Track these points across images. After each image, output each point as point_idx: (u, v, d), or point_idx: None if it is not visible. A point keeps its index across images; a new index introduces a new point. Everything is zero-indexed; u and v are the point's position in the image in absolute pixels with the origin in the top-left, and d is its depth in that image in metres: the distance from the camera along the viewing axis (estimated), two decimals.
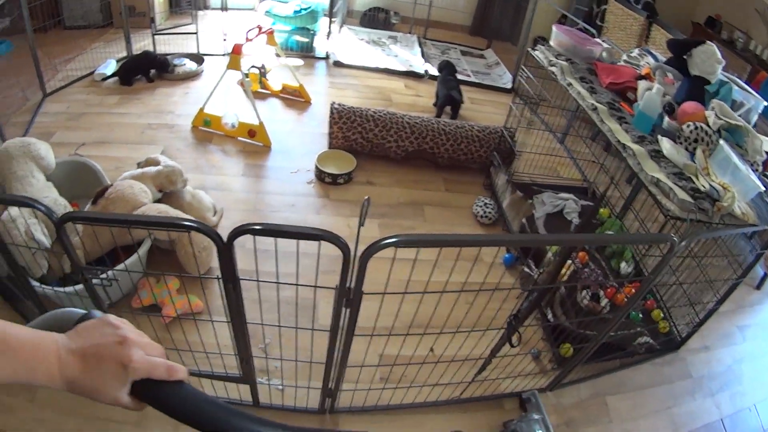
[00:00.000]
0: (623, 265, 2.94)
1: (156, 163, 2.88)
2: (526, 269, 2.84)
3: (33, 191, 2.39)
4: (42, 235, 2.28)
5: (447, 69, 4.81)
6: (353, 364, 1.87)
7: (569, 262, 2.64)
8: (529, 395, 2.34)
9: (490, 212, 3.36)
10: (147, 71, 4.50)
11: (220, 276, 1.49)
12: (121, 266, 2.28)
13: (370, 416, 2.26)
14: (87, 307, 1.98)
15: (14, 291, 2.42)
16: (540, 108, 3.96)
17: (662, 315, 2.88)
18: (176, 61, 4.65)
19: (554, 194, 3.34)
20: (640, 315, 2.81)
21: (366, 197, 1.37)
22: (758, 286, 3.52)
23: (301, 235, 1.35)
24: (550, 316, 2.66)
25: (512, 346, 2.04)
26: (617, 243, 3.08)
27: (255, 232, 1.35)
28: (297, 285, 1.51)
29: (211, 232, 1.40)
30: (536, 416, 2.18)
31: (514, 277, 3.02)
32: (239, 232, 1.36)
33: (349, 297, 1.53)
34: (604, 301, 2.56)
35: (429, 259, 1.64)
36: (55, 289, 2.18)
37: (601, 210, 3.40)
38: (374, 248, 1.38)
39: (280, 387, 2.27)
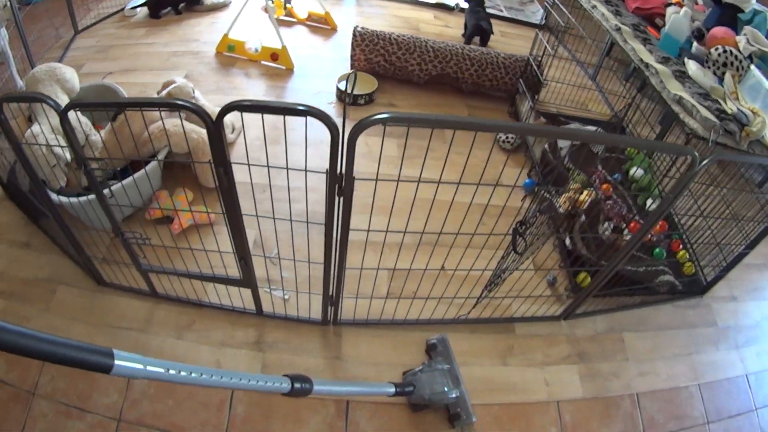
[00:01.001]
0: (649, 201, 2.84)
1: (178, 89, 2.89)
2: (546, 193, 2.77)
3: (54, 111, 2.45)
4: (61, 149, 2.36)
5: (476, 0, 4.65)
6: (352, 266, 1.87)
7: (591, 189, 2.56)
8: (436, 340, 2.16)
9: (512, 137, 3.27)
10: (176, 4, 4.50)
11: (211, 161, 1.49)
12: (133, 175, 2.34)
13: (373, 330, 2.26)
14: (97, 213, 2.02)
15: (37, 207, 2.49)
16: (572, 42, 3.84)
17: (688, 257, 2.78)
18: None
19: (581, 125, 3.24)
20: (665, 253, 2.71)
21: (352, 70, 1.34)
22: None
23: (288, 110, 1.32)
24: (568, 242, 2.59)
25: (517, 253, 1.98)
26: (634, 146, 3.01)
27: (242, 109, 1.34)
28: (287, 169, 1.49)
29: (200, 111, 1.39)
30: (443, 366, 2.00)
31: (534, 203, 2.94)
32: (228, 109, 1.34)
33: (341, 183, 1.50)
34: (626, 234, 2.47)
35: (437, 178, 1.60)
36: (70, 198, 2.26)
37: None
38: (363, 125, 1.34)
39: (286, 297, 2.29)
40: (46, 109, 2.47)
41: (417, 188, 1.55)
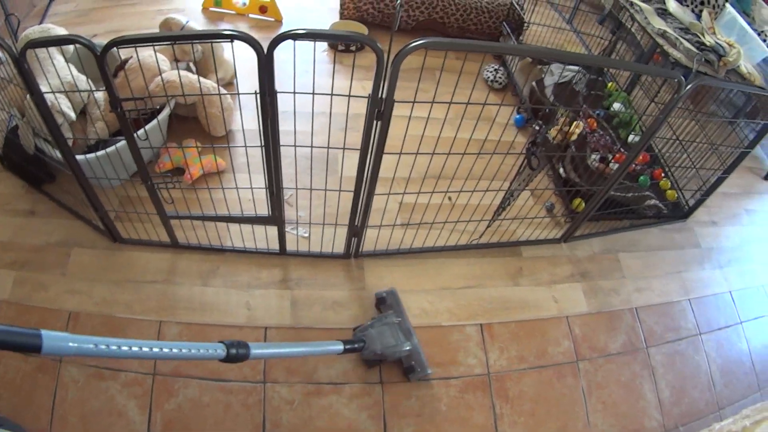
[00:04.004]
0: (631, 136, 3.00)
1: (176, 25, 2.91)
2: (536, 126, 2.92)
3: (54, 71, 2.44)
4: (67, 108, 2.35)
5: None
6: (379, 192, 1.96)
7: (578, 122, 2.71)
8: (385, 293, 2.17)
9: (500, 77, 3.43)
10: None
11: (257, 91, 1.56)
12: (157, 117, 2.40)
13: (393, 260, 2.38)
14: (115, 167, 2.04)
15: (39, 172, 2.51)
16: None
17: (670, 185, 2.97)
18: None
19: (562, 65, 3.38)
20: (649, 181, 2.89)
21: (399, 1, 1.44)
22: (766, 177, 3.58)
23: (339, 36, 1.43)
24: (561, 171, 2.75)
25: (532, 169, 2.13)
26: (627, 69, 3.25)
27: (295, 38, 1.42)
28: (332, 95, 1.59)
29: (251, 40, 1.45)
30: (393, 319, 1.99)
31: (525, 137, 3.11)
32: (281, 38, 1.42)
33: (380, 108, 1.59)
34: (613, 164, 2.64)
35: (440, 118, 1.76)
36: (98, 153, 2.26)
37: (609, 84, 3.45)
38: (406, 51, 1.45)
39: (306, 234, 2.38)
40: (46, 69, 2.49)
41: (427, 120, 1.68)
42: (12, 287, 2.17)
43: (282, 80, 1.55)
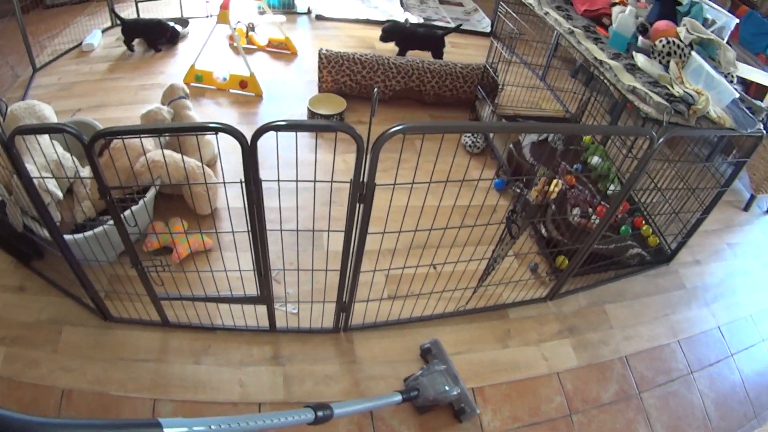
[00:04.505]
0: (611, 187, 3.07)
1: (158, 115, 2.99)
2: (515, 189, 2.98)
3: (40, 148, 2.45)
4: (54, 187, 2.36)
5: (397, 29, 4.55)
6: (366, 269, 1.99)
7: (557, 180, 2.77)
8: (429, 344, 2.29)
9: (477, 141, 3.48)
10: (156, 41, 4.50)
11: (242, 180, 1.61)
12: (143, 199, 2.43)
13: (381, 332, 2.40)
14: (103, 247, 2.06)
15: (28, 249, 2.51)
16: (520, 47, 4.06)
17: (651, 230, 3.03)
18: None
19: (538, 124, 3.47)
20: (630, 230, 2.95)
21: (375, 88, 1.49)
22: (746, 208, 3.69)
23: (320, 127, 1.48)
24: (543, 231, 2.80)
25: (512, 237, 2.18)
26: (599, 134, 3.31)
27: (277, 129, 1.47)
28: (314, 182, 1.65)
29: (236, 132, 1.50)
30: (439, 367, 2.12)
31: (506, 200, 3.17)
32: (263, 130, 1.47)
33: (362, 191, 1.65)
34: (594, 219, 2.69)
35: (424, 187, 1.79)
36: (85, 234, 2.27)
37: (585, 138, 3.53)
38: (384, 137, 1.51)
39: (295, 311, 2.40)
40: (32, 148, 2.50)
41: (410, 191, 1.73)
42: (3, 363, 2.16)
43: (265, 154, 1.58)
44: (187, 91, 3.21)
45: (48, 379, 2.11)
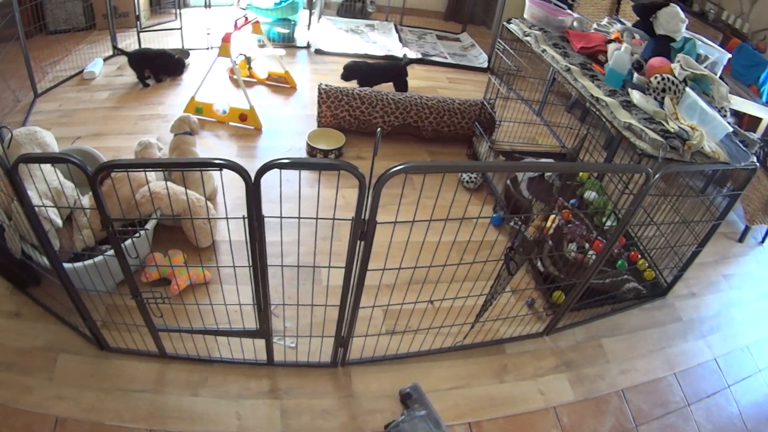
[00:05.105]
0: (607, 222, 3.10)
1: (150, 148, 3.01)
2: (513, 224, 3.00)
3: (41, 174, 2.47)
4: (55, 215, 2.36)
5: (356, 66, 4.53)
6: (364, 305, 2.01)
7: (554, 216, 2.80)
8: (409, 389, 2.25)
9: (474, 177, 3.50)
10: (161, 71, 4.54)
11: (245, 215, 1.63)
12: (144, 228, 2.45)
13: (379, 366, 2.39)
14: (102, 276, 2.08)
15: (25, 275, 2.52)
16: (516, 83, 4.11)
17: (647, 264, 3.05)
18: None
19: (535, 160, 3.51)
20: (626, 264, 2.97)
21: (378, 128, 1.52)
22: (740, 239, 3.73)
23: (323, 165, 1.52)
24: (540, 266, 2.82)
25: (510, 273, 2.20)
26: (595, 171, 3.32)
27: (281, 167, 1.50)
28: (317, 219, 1.67)
29: (240, 169, 1.53)
30: (420, 412, 2.10)
31: (504, 235, 3.18)
32: (267, 167, 1.50)
33: (363, 228, 1.67)
34: (591, 253, 2.72)
35: (424, 224, 1.83)
36: (85, 262, 2.28)
37: (581, 173, 3.56)
38: (386, 176, 1.54)
39: (293, 345, 2.40)
40: (33, 175, 2.50)
41: (411, 228, 1.75)
42: None
43: (267, 188, 1.60)
44: (194, 126, 3.22)
45: (42, 406, 2.10)
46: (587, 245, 2.74)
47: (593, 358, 2.63)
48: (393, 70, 4.52)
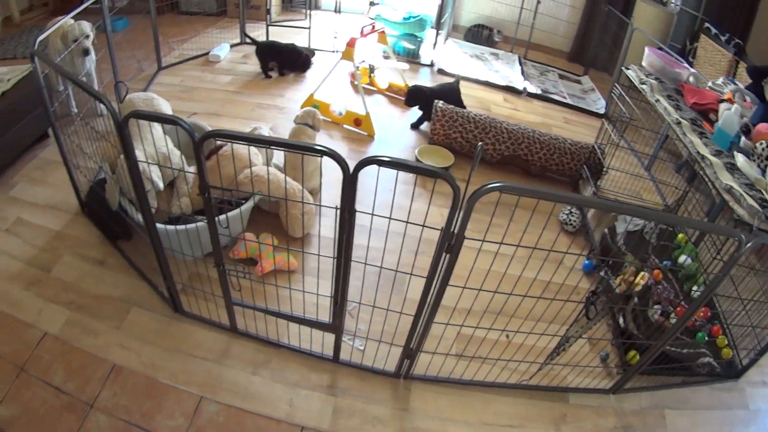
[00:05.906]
0: (695, 288, 2.99)
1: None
2: (603, 273, 2.93)
3: (152, 139, 2.58)
4: (157, 177, 2.49)
5: (419, 93, 4.35)
6: (438, 320, 1.99)
7: (644, 273, 2.72)
8: None
9: (574, 220, 3.47)
10: (288, 66, 4.69)
11: (338, 206, 1.67)
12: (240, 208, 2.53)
13: (440, 387, 2.37)
14: (191, 243, 2.15)
15: (117, 228, 2.65)
16: (629, 133, 4.03)
17: (726, 342, 2.91)
18: None
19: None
20: (706, 337, 2.85)
21: (480, 143, 1.53)
22: None
23: (420, 169, 1.53)
24: (621, 321, 2.74)
25: (589, 319, 2.15)
26: (690, 227, 3.22)
27: (380, 164, 1.56)
28: (407, 222, 1.69)
29: (340, 159, 1.60)
30: None
31: (589, 283, 3.09)
32: (365, 162, 1.56)
33: (451, 242, 1.67)
34: (672, 318, 2.62)
35: (508, 254, 1.82)
36: (177, 227, 2.38)
37: (679, 236, 3.45)
38: (480, 192, 1.54)
39: (362, 347, 2.42)
40: (144, 137, 2.60)
41: (496, 255, 1.73)
42: (63, 325, 2.28)
43: (364, 194, 1.65)
44: (317, 123, 3.26)
45: (103, 351, 2.21)
46: (671, 309, 2.65)
47: (653, 427, 2.50)
48: (451, 93, 4.42)
